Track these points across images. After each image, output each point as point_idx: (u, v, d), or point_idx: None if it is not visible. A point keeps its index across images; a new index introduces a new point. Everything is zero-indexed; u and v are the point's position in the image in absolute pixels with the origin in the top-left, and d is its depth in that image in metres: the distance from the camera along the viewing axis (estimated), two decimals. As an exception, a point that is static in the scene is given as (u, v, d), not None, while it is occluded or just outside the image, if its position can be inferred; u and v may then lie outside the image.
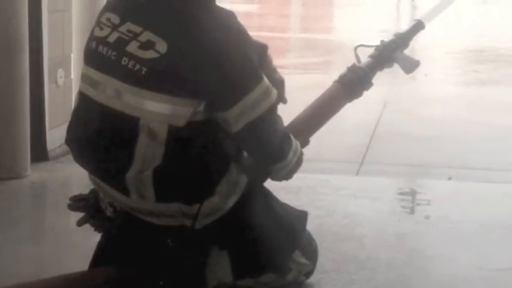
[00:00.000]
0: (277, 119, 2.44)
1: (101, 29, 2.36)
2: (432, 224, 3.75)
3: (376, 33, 11.33)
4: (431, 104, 6.83)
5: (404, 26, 14.03)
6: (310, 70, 8.28)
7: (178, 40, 2.24)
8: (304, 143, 2.63)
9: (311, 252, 2.74)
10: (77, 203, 2.58)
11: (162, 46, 2.23)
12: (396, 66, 2.83)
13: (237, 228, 2.42)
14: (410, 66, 2.78)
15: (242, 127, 2.30)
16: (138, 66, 2.25)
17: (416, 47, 10.62)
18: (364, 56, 2.86)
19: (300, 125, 2.64)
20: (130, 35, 2.27)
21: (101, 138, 2.32)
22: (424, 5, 15.31)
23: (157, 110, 2.23)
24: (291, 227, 2.61)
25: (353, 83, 2.72)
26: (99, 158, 2.35)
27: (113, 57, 2.29)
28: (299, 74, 8.03)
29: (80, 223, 2.61)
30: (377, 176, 4.70)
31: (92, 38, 2.39)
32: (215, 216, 2.35)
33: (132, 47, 2.26)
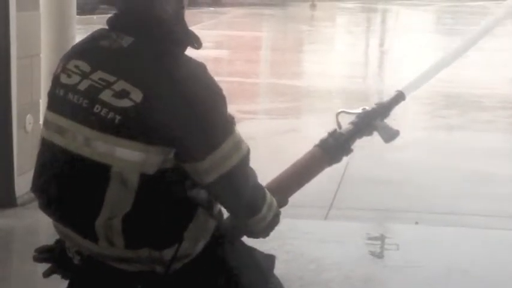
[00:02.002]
0: (249, 171, 2.45)
1: (69, 76, 2.34)
2: (399, 269, 3.78)
3: (343, 79, 11.44)
4: (400, 149, 6.88)
5: (371, 72, 14.14)
6: (279, 115, 8.33)
7: (153, 90, 2.25)
8: (283, 202, 2.66)
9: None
10: (43, 254, 2.56)
11: (137, 95, 2.24)
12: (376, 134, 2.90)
13: (206, 272, 2.43)
14: (390, 135, 2.84)
15: (214, 179, 2.32)
16: (111, 115, 2.24)
17: (385, 92, 10.74)
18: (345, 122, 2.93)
19: (279, 184, 2.68)
20: (103, 83, 2.27)
21: (69, 185, 2.31)
22: (391, 50, 15.50)
23: (129, 158, 2.23)
24: (260, 271, 2.62)
25: (333, 149, 2.77)
26: (66, 206, 2.34)
27: (85, 105, 2.28)
28: (268, 119, 8.08)
29: (46, 274, 2.59)
30: (345, 221, 4.72)
31: (58, 84, 2.37)
32: (184, 261, 2.35)
33: (106, 95, 2.26)
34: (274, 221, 2.52)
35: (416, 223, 4.66)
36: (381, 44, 16.59)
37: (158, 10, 2.35)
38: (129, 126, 2.24)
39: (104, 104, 2.25)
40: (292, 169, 2.76)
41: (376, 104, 2.88)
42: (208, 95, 2.31)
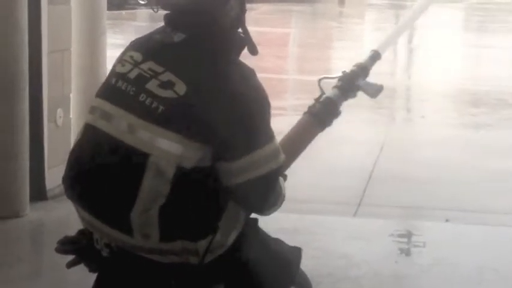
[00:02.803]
0: (278, 180, 2.46)
1: (123, 65, 2.40)
2: (429, 267, 3.76)
3: (371, 75, 11.41)
4: (428, 147, 6.86)
5: (399, 68, 14.05)
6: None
7: (198, 85, 2.27)
8: (283, 177, 2.66)
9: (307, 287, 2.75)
10: (66, 245, 2.56)
11: (181, 88, 2.27)
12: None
13: (235, 264, 2.44)
14: (375, 91, 2.87)
15: (243, 181, 2.32)
16: (155, 104, 2.28)
17: (414, 89, 10.70)
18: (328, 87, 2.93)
19: None
20: (151, 73, 2.31)
21: (106, 173, 2.32)
22: (419, 47, 15.43)
23: (168, 149, 2.25)
24: (286, 263, 2.62)
25: (323, 114, 2.80)
26: (101, 196, 2.35)
27: (131, 93, 2.32)
28: (296, 115, 8.06)
29: (70, 265, 2.59)
30: (374, 218, 4.71)
31: (112, 74, 2.43)
32: (218, 253, 2.36)
33: (152, 85, 2.30)
34: (281, 204, 2.53)
35: (447, 221, 4.65)
36: (410, 41, 16.51)
37: (220, 12, 2.38)
38: (171, 117, 2.27)
39: (149, 94, 2.30)
40: (286, 140, 2.75)
41: (354, 66, 2.91)
42: (255, 98, 2.34)
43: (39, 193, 4.62)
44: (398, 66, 13.69)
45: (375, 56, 2.99)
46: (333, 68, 13.14)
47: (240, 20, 2.44)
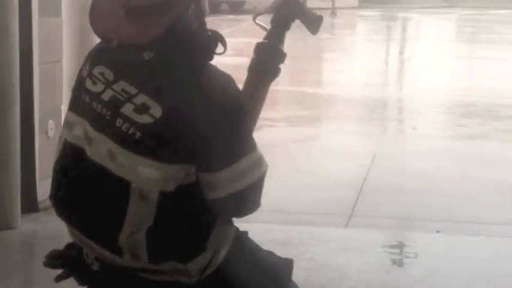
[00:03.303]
0: (261, 193, 2.41)
1: (94, 83, 2.31)
2: (421, 277, 3.77)
3: (363, 87, 11.43)
4: (420, 158, 6.87)
5: (391, 80, 14.08)
6: (298, 123, 8.33)
7: (174, 104, 2.21)
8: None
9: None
10: (55, 260, 2.53)
11: (156, 110, 2.20)
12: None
13: (226, 281, 2.42)
14: (315, 24, 2.48)
15: (226, 195, 2.28)
16: (132, 130, 2.21)
17: (405, 100, 10.72)
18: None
19: None
20: (125, 95, 2.23)
21: (91, 196, 2.29)
22: (411, 58, 15.46)
23: (148, 176, 2.20)
24: (278, 275, 2.60)
25: (265, 64, 2.49)
26: (88, 217, 2.32)
27: (108, 117, 2.25)
28: (287, 127, 8.08)
29: (59, 279, 2.57)
30: (366, 229, 4.71)
31: (83, 89, 2.34)
32: (209, 272, 2.34)
33: (127, 109, 2.22)
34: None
35: (438, 232, 4.65)
36: (401, 52, 16.56)
37: (178, 22, 2.26)
38: (149, 143, 2.21)
39: (126, 119, 2.22)
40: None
41: None
42: (235, 107, 2.27)
43: (30, 205, 4.61)
44: (389, 77, 13.73)
45: None
46: (324, 79, 13.16)
47: (201, 23, 2.28)
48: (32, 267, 3.99)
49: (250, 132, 2.32)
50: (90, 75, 2.32)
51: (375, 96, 10.59)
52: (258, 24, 2.51)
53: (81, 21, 5.27)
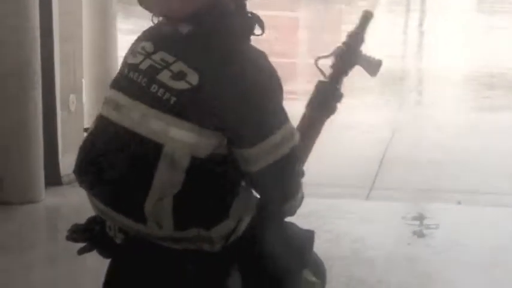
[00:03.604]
0: (297, 161, 2.46)
1: (135, 56, 2.38)
2: (442, 248, 3.77)
3: (383, 57, 11.38)
4: (440, 130, 6.85)
5: (411, 51, 13.98)
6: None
7: (210, 74, 2.27)
8: (301, 173, 2.67)
9: (320, 271, 2.76)
10: (78, 234, 2.56)
11: (193, 78, 2.26)
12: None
13: (248, 250, 2.45)
14: (374, 67, 2.72)
15: (262, 167, 2.33)
16: (167, 95, 2.27)
17: (425, 72, 10.68)
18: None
19: None
20: (163, 63, 2.31)
21: (119, 162, 2.32)
22: (431, 29, 15.37)
23: (182, 138, 2.25)
24: (299, 246, 2.63)
25: (324, 102, 2.67)
26: (114, 186, 2.35)
27: (143, 84, 2.31)
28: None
29: (82, 252, 2.60)
30: (386, 201, 4.72)
31: (124, 64, 2.42)
32: (231, 239, 2.37)
33: (164, 76, 2.29)
34: (302, 199, 2.53)
35: (459, 203, 4.65)
36: (421, 24, 16.46)
37: (220, 2, 2.35)
38: (183, 107, 2.26)
39: (161, 85, 2.29)
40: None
41: (347, 36, 2.73)
42: (267, 82, 2.32)
43: (54, 179, 4.65)
44: (409, 49, 13.66)
45: (367, 17, 2.79)
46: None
47: (242, 6, 2.42)
48: (55, 240, 4.03)
49: (281, 106, 2.36)
50: (133, 51, 2.40)
51: (395, 68, 10.55)
52: (318, 68, 2.67)
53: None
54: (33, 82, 4.40)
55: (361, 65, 2.71)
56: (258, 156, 2.31)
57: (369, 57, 2.73)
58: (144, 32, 2.47)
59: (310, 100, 2.69)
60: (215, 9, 2.36)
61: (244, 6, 2.41)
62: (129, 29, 11.84)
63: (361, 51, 2.73)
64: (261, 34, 2.42)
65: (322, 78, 2.72)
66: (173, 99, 2.27)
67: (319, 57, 2.71)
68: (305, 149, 2.67)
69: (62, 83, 4.80)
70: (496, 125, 7.16)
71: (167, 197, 2.26)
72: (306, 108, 2.72)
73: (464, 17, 16.79)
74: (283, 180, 2.41)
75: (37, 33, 4.42)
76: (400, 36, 14.80)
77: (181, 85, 2.28)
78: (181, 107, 2.27)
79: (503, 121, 7.34)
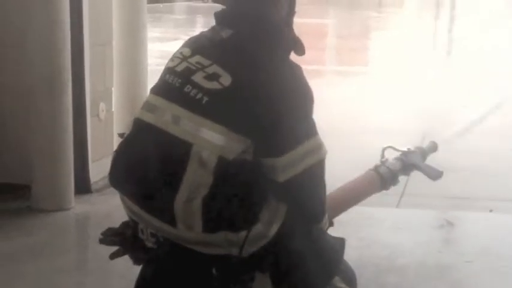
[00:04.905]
0: (323, 177, 2.48)
1: (172, 60, 2.47)
2: (473, 257, 3.74)
3: (412, 66, 11.34)
4: (472, 135, 6.81)
5: (439, 58, 13.96)
6: (347, 102, 8.30)
7: (244, 78, 2.30)
8: (329, 223, 2.68)
9: (351, 278, 2.76)
10: (111, 237, 2.59)
11: (226, 79, 2.31)
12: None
13: (278, 254, 2.45)
14: (436, 174, 3.10)
15: (289, 177, 2.34)
16: (200, 95, 2.32)
17: (456, 78, 10.62)
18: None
19: (329, 203, 2.68)
20: (198, 66, 2.37)
21: (151, 163, 2.35)
22: (460, 36, 15.30)
23: (211, 139, 2.28)
24: (330, 254, 2.63)
25: (387, 176, 2.95)
26: (145, 184, 2.37)
27: (177, 84, 2.38)
28: (335, 106, 8.06)
29: (114, 256, 2.63)
30: (417, 208, 4.69)
31: (164, 70, 2.50)
32: (260, 244, 2.37)
33: (198, 77, 2.35)
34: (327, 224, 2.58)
35: (491, 211, 4.61)
36: (449, 30, 16.39)
37: (271, 10, 2.44)
38: (214, 108, 2.30)
39: (194, 85, 2.34)
40: (345, 189, 2.84)
41: (416, 148, 3.13)
42: (301, 94, 2.38)
43: (83, 186, 4.67)
44: (439, 56, 13.59)
45: (434, 147, 3.24)
46: (370, 59, 13.08)
47: (289, 20, 2.50)
48: (86, 247, 4.05)
49: (311, 119, 2.40)
50: (173, 57, 2.46)
51: (424, 74, 10.51)
52: (382, 153, 3.02)
53: (131, 2, 5.30)
54: (63, 90, 4.41)
55: (423, 171, 3.10)
56: (285, 166, 2.32)
57: (433, 167, 3.13)
58: (187, 40, 2.55)
59: (376, 167, 2.96)
60: (260, 19, 2.41)
61: (291, 23, 2.50)
62: (159, 37, 11.89)
63: (424, 163, 3.13)
64: (302, 54, 2.50)
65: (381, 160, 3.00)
66: (205, 99, 2.31)
67: (389, 147, 3.05)
68: (347, 203, 2.79)
69: (92, 91, 4.82)
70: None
71: (196, 199, 2.27)
72: (370, 171, 2.95)
73: (494, 22, 16.67)
74: (311, 193, 2.42)
75: (68, 41, 4.43)
76: (429, 44, 14.72)
77: (213, 85, 2.32)
78: (212, 108, 2.30)
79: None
